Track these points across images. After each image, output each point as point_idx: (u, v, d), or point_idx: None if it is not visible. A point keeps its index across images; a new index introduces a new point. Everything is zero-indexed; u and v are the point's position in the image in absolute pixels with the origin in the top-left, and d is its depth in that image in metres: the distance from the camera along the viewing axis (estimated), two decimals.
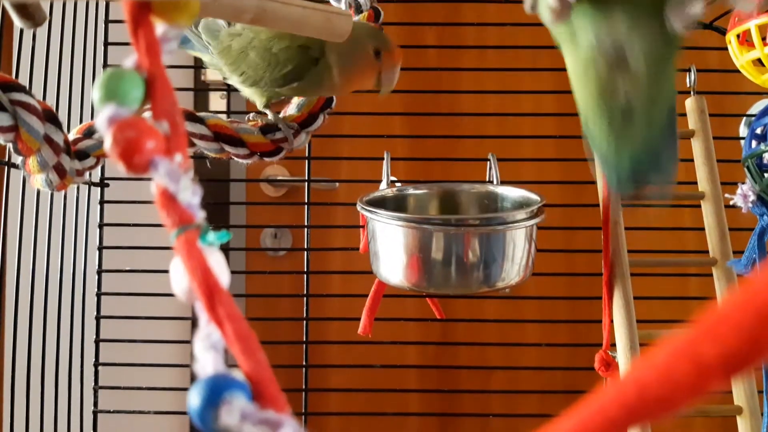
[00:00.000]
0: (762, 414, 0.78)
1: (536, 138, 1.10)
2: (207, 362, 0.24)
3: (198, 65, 1.30)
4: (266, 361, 0.24)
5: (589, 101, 0.46)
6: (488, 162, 0.91)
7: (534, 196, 0.84)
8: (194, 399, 0.23)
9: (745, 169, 0.56)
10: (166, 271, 0.28)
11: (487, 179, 0.92)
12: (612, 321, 0.81)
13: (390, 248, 0.80)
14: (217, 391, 0.23)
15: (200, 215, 0.27)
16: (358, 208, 0.85)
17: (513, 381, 1.24)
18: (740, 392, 0.79)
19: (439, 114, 1.10)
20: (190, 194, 0.27)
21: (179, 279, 0.26)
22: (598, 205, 0.84)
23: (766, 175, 0.54)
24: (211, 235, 0.28)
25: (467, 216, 0.77)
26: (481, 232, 0.77)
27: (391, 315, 1.04)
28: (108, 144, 0.27)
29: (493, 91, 1.08)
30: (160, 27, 0.30)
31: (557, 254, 1.05)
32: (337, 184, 1.34)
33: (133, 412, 0.98)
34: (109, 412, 0.99)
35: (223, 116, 0.83)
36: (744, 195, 0.55)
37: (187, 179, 0.27)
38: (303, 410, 1.01)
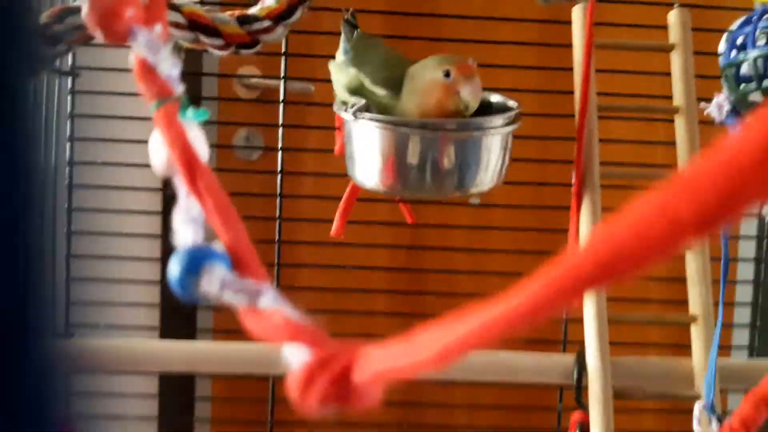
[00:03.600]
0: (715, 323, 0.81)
1: (516, 44, 1.09)
2: (187, 234, 0.24)
3: None
4: (245, 232, 0.24)
5: None
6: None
7: (511, 103, 0.83)
8: (174, 268, 0.23)
9: (722, 79, 0.56)
10: (136, 141, 0.27)
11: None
12: (579, 231, 0.83)
13: (365, 151, 0.80)
14: (197, 260, 0.23)
15: (179, 88, 0.27)
16: (335, 109, 0.84)
17: (479, 285, 1.28)
18: (696, 301, 0.82)
19: (420, 14, 1.07)
20: (170, 65, 0.26)
21: (159, 151, 0.26)
22: (573, 116, 0.85)
23: (742, 85, 0.54)
24: (190, 110, 0.27)
25: (444, 120, 0.76)
26: (457, 137, 0.77)
27: (362, 218, 1.05)
28: (85, 11, 0.26)
29: None
30: None
31: (530, 163, 1.06)
32: (312, 87, 1.32)
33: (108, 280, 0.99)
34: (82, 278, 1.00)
35: (197, 5, 0.80)
36: (719, 105, 0.55)
37: (166, 50, 0.27)
38: None
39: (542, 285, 0.19)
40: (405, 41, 1.06)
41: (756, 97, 0.54)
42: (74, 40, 0.74)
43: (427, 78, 0.75)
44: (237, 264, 0.24)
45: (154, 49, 0.27)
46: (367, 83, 0.78)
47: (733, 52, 0.55)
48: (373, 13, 1.03)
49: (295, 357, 0.21)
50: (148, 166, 0.29)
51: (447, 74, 0.74)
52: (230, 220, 0.24)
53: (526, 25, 1.04)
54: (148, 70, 0.26)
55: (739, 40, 0.55)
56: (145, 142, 0.28)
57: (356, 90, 0.80)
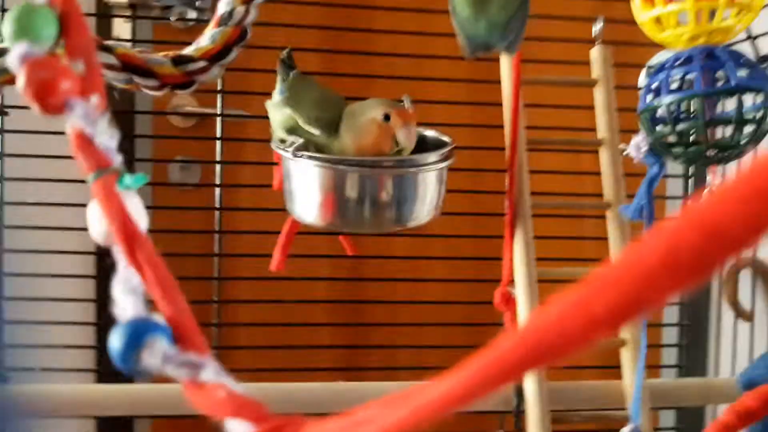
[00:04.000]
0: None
1: (449, 81, 1.12)
2: (127, 305, 0.25)
3: None
4: (186, 304, 0.24)
5: None
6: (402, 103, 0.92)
7: (445, 138, 0.86)
8: (116, 341, 0.23)
9: (640, 122, 0.59)
10: (67, 204, 0.28)
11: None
12: (512, 259, 0.86)
13: (305, 188, 0.81)
14: (139, 333, 0.23)
15: (117, 159, 0.27)
16: (273, 146, 0.84)
17: (419, 314, 1.29)
18: (625, 327, 0.85)
19: (354, 53, 1.09)
20: (108, 137, 0.27)
21: (97, 223, 0.26)
22: (504, 149, 0.88)
23: (658, 127, 0.58)
24: (128, 179, 0.28)
25: (381, 158, 0.78)
26: (394, 174, 0.79)
27: (302, 251, 1.05)
28: (21, 84, 0.26)
29: (409, 32, 1.08)
30: None
31: (465, 194, 1.09)
32: (251, 119, 1.32)
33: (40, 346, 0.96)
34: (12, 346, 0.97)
35: (129, 45, 0.80)
36: (637, 146, 0.58)
37: (104, 121, 0.27)
38: (214, 345, 1.01)
39: (474, 371, 0.21)
40: (340, 78, 1.08)
41: (671, 139, 0.57)
42: (2, 82, 0.72)
43: (367, 118, 0.77)
44: (178, 337, 0.24)
45: (91, 121, 0.27)
46: (302, 123, 0.79)
47: (649, 97, 0.58)
48: (308, 51, 1.05)
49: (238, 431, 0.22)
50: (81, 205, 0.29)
51: (386, 117, 0.76)
52: (170, 292, 0.25)
53: (458, 63, 1.07)
54: (85, 142, 0.27)
55: (654, 86, 0.58)
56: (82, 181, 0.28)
57: (292, 128, 0.81)
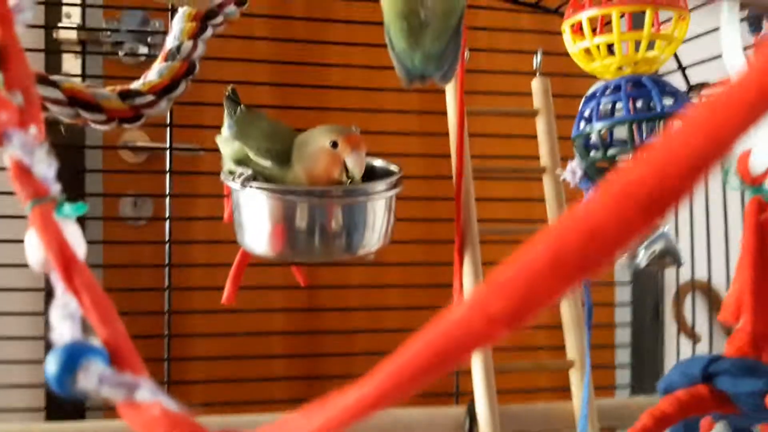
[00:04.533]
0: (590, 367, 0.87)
1: (400, 112, 1.14)
2: (64, 330, 0.25)
3: (49, 24, 1.23)
4: (123, 327, 0.25)
5: (392, 13, 0.61)
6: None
7: (393, 167, 0.87)
8: (51, 365, 0.24)
9: (574, 148, 0.62)
10: (17, 241, 0.28)
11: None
12: (462, 284, 0.88)
13: (254, 218, 0.81)
14: (74, 357, 0.24)
15: (55, 188, 0.28)
16: (222, 178, 0.85)
17: (376, 343, 1.30)
18: (572, 347, 0.88)
19: (306, 86, 1.11)
20: (45, 167, 0.28)
21: (35, 251, 0.27)
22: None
23: (591, 153, 0.60)
24: (67, 207, 0.28)
25: (330, 187, 0.79)
26: (343, 203, 0.80)
27: (256, 283, 1.05)
28: None
29: (359, 66, 1.10)
30: None
31: (419, 223, 1.10)
32: (202, 152, 1.32)
33: None
34: None
35: (78, 80, 0.80)
36: (573, 171, 0.61)
37: (41, 151, 0.28)
38: (165, 379, 1.00)
39: (384, 377, 0.22)
40: (292, 111, 1.09)
41: (604, 163, 0.60)
42: None
43: (315, 146, 0.78)
44: (115, 358, 0.25)
45: (29, 151, 0.28)
46: (252, 155, 0.80)
47: (582, 124, 0.61)
48: (260, 84, 1.06)
49: None
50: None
51: (334, 144, 0.77)
52: (107, 316, 0.25)
53: (407, 94, 1.10)
54: (23, 172, 0.27)
55: (587, 113, 0.61)
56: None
57: (242, 161, 0.82)
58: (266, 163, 0.80)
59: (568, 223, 0.17)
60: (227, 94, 0.86)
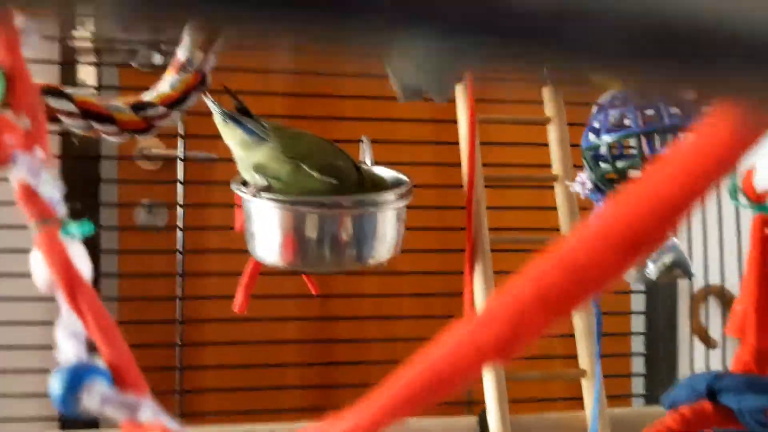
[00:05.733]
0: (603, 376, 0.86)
1: (412, 121, 1.14)
2: (68, 350, 0.25)
3: (64, 35, 1.24)
4: (127, 348, 0.25)
5: None
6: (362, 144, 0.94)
7: (403, 178, 0.88)
8: (55, 386, 0.24)
9: (583, 160, 0.62)
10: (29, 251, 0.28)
11: (360, 160, 0.95)
12: (473, 292, 0.87)
13: (265, 228, 0.82)
14: (77, 377, 0.24)
15: (62, 209, 0.28)
16: (233, 188, 0.85)
17: (389, 352, 1.30)
18: (584, 356, 0.87)
19: (319, 96, 1.11)
20: (51, 188, 0.28)
21: (40, 271, 0.27)
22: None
23: (601, 164, 0.60)
24: (73, 227, 0.29)
25: (341, 197, 0.80)
26: (353, 213, 0.80)
27: (269, 292, 1.06)
28: None
29: (372, 75, 1.10)
30: (19, 20, 0.31)
31: (431, 232, 1.10)
32: (216, 160, 1.33)
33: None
34: None
35: (93, 91, 0.81)
36: (582, 183, 0.61)
37: (48, 174, 0.28)
38: (178, 388, 1.01)
39: (382, 402, 0.22)
40: (305, 121, 1.10)
41: (613, 175, 0.60)
42: None
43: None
44: (118, 378, 0.25)
45: (36, 174, 0.28)
46: (316, 173, 0.80)
47: (591, 137, 0.61)
48: (274, 95, 1.07)
49: None
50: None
51: None
52: (111, 336, 0.26)
53: (419, 104, 1.11)
54: (29, 194, 0.28)
55: (596, 125, 0.61)
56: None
57: (262, 168, 0.81)
58: (331, 180, 0.80)
59: (551, 261, 0.17)
60: (237, 106, 0.86)
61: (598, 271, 0.16)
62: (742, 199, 0.50)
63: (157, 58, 1.36)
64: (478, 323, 0.19)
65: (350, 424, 0.23)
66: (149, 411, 0.24)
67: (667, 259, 0.60)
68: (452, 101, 0.95)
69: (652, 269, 0.60)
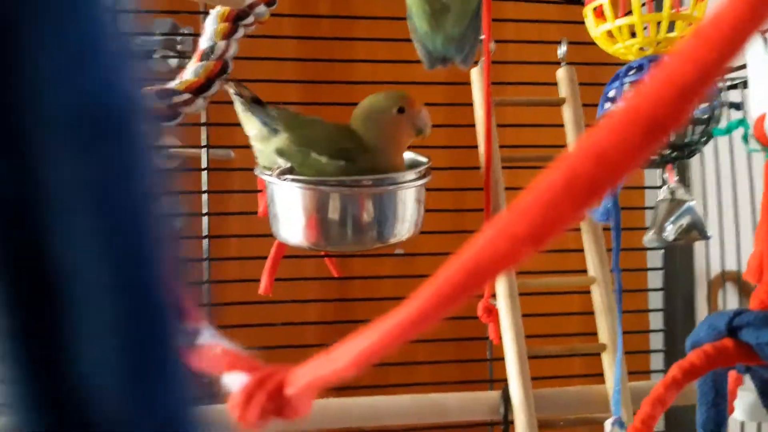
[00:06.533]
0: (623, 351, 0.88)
1: (426, 105, 1.16)
2: None
3: None
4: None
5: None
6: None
7: (422, 159, 0.90)
8: None
9: None
10: None
11: None
12: None
13: (289, 210, 0.84)
14: None
15: None
16: (256, 172, 0.88)
17: None
18: (603, 331, 0.89)
19: (333, 82, 1.13)
20: None
21: None
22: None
23: None
24: None
25: (361, 177, 0.82)
26: (374, 192, 0.82)
27: (290, 275, 1.08)
28: None
29: (385, 60, 1.13)
30: None
31: (448, 213, 1.12)
32: (233, 153, 1.35)
33: None
34: None
35: None
36: None
37: None
38: None
39: (429, 295, 0.24)
40: (319, 107, 1.12)
41: None
42: None
43: (385, 121, 0.82)
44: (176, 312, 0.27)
45: None
46: (324, 159, 0.82)
47: (607, 104, 0.63)
48: (288, 83, 1.09)
49: (234, 382, 0.25)
50: None
51: (401, 110, 0.81)
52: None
53: (433, 87, 1.12)
54: None
55: (611, 93, 0.62)
56: None
57: (285, 152, 0.84)
58: (340, 163, 0.82)
59: (578, 151, 0.19)
60: (251, 97, 0.88)
61: (625, 155, 0.18)
62: (754, 144, 0.51)
63: (172, 57, 1.38)
64: (510, 216, 0.21)
65: (395, 321, 0.24)
66: (208, 335, 0.26)
67: (685, 221, 0.61)
68: (466, 84, 0.97)
69: (670, 230, 0.62)
